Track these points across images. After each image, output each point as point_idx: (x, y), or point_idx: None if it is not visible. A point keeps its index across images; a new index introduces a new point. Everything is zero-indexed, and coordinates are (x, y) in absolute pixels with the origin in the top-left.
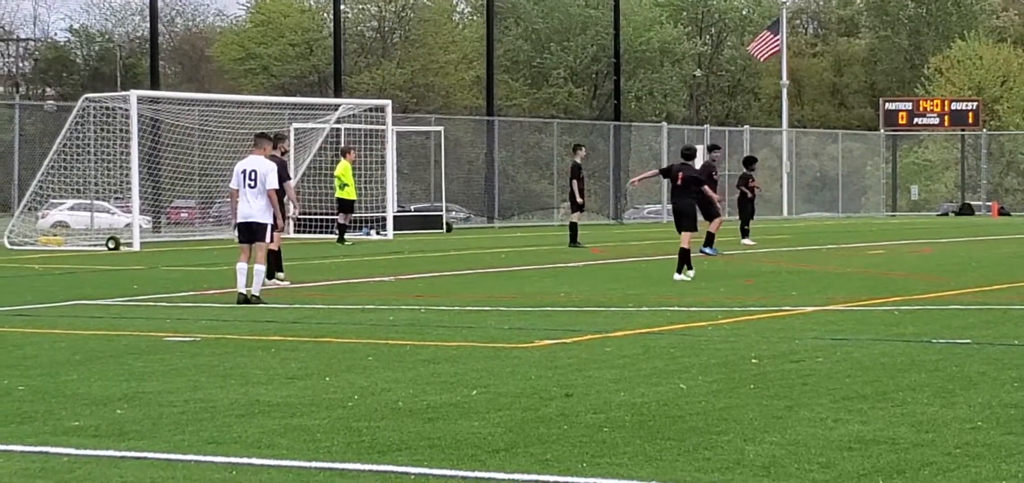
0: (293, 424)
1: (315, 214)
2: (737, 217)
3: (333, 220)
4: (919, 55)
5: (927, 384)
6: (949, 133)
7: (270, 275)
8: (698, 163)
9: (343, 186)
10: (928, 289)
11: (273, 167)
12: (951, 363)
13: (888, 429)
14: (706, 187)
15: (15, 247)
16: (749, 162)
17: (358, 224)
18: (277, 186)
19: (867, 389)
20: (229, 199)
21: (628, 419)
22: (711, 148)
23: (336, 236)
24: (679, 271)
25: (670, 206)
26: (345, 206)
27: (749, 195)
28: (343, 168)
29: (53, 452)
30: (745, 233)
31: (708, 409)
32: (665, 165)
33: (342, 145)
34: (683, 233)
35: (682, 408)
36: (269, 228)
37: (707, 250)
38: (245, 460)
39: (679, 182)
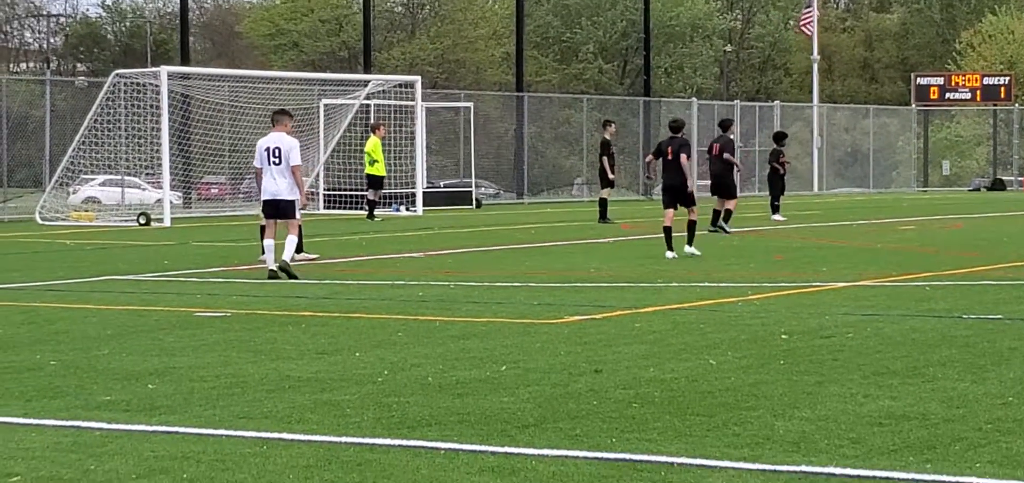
0: (323, 399)
1: (344, 190)
2: (767, 193)
3: (362, 196)
4: (951, 29)
5: (958, 360)
6: (981, 108)
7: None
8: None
9: (373, 162)
10: (959, 265)
11: (296, 144)
12: (982, 339)
13: (919, 405)
14: (683, 158)
15: (46, 222)
16: (779, 137)
17: (387, 200)
18: (299, 162)
19: (898, 365)
20: (254, 177)
21: (657, 394)
22: (725, 123)
23: (366, 212)
24: (680, 248)
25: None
26: (375, 182)
27: (780, 171)
28: (373, 144)
29: (85, 426)
30: (775, 209)
31: (738, 385)
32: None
33: (372, 121)
34: (668, 210)
35: (712, 384)
36: (297, 204)
37: (726, 228)
38: (275, 435)
39: (669, 157)
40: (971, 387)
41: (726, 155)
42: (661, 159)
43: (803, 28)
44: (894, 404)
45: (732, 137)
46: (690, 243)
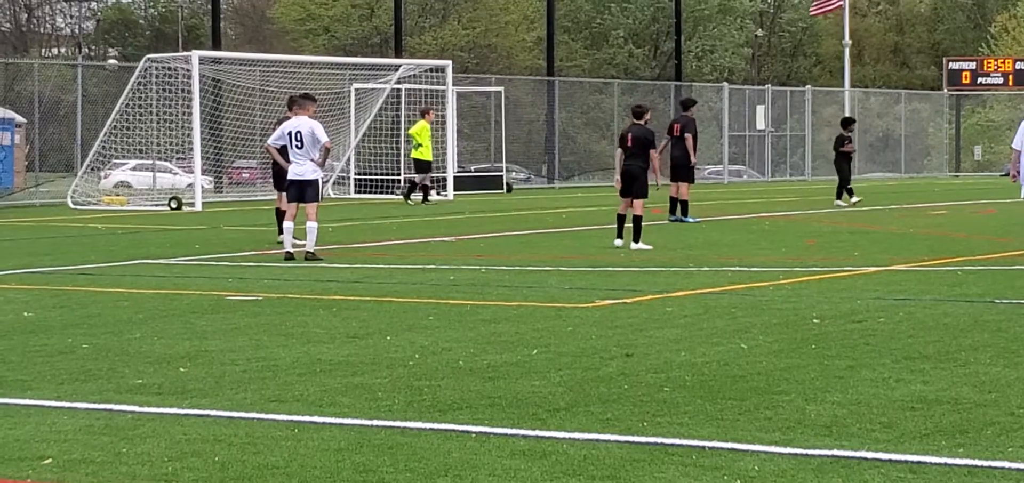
0: (354, 382)
1: (375, 174)
2: (835, 177)
3: (393, 180)
4: (982, 14)
5: (990, 344)
6: (1014, 93)
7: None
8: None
9: (418, 146)
10: (991, 249)
11: (318, 124)
12: (1015, 323)
13: (950, 389)
14: (653, 153)
15: (78, 207)
16: (846, 123)
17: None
18: (327, 140)
19: (929, 349)
20: (267, 152)
21: (689, 379)
22: (687, 102)
23: (408, 195)
24: (620, 236)
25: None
26: (421, 166)
27: (847, 157)
28: (420, 128)
29: (116, 409)
30: (839, 194)
31: (769, 369)
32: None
33: (423, 106)
34: (625, 199)
35: (743, 368)
36: (319, 185)
37: (686, 218)
38: (307, 418)
39: (629, 144)
40: (1003, 372)
41: (686, 135)
42: (623, 146)
43: (820, 11)
44: (926, 388)
45: (694, 118)
46: (636, 240)
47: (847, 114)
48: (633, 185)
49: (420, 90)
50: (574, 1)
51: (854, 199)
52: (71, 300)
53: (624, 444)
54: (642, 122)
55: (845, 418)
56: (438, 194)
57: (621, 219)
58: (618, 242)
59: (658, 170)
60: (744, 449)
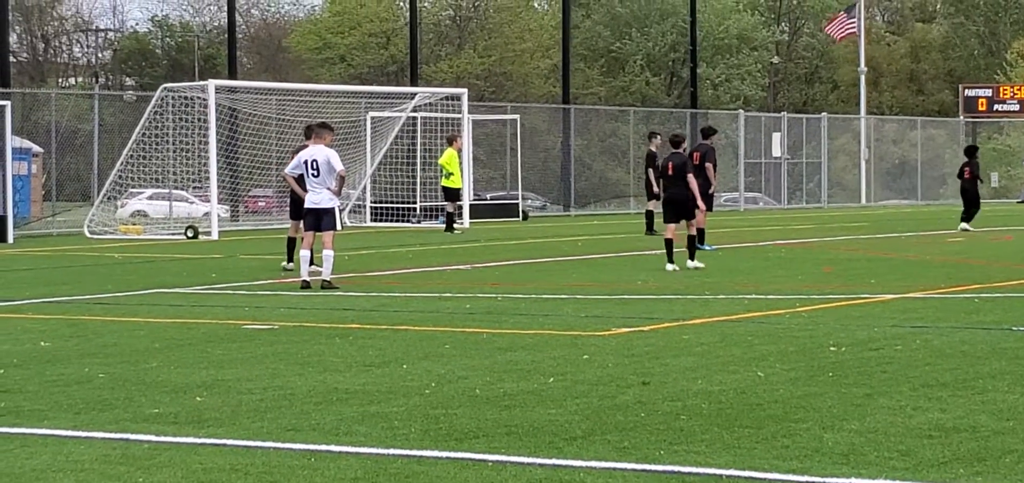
0: (371, 411)
1: (391, 202)
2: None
3: (409, 208)
4: (995, 40)
5: (1008, 372)
6: None
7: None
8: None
9: (449, 175)
10: (1008, 277)
11: (334, 153)
12: None
13: (968, 417)
14: (691, 177)
15: (95, 236)
16: (970, 151)
17: (434, 213)
18: (342, 168)
19: (947, 377)
20: (284, 180)
21: (705, 407)
22: (708, 130)
23: (443, 225)
24: (670, 260)
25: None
26: (451, 195)
27: (971, 185)
28: (449, 157)
29: (133, 439)
30: (966, 218)
31: (786, 397)
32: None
33: (449, 133)
34: (670, 225)
35: (760, 396)
36: (336, 213)
37: (703, 246)
38: (323, 447)
39: (670, 172)
40: (1021, 399)
41: (707, 164)
42: (663, 175)
43: (831, 31)
44: (944, 416)
45: (714, 147)
46: (692, 258)
47: (863, 141)
48: (679, 210)
49: (436, 118)
50: (591, 28)
51: (965, 227)
52: (88, 329)
53: (641, 473)
54: (680, 150)
55: (863, 446)
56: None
57: (669, 244)
58: (669, 267)
59: (698, 193)
60: (761, 477)
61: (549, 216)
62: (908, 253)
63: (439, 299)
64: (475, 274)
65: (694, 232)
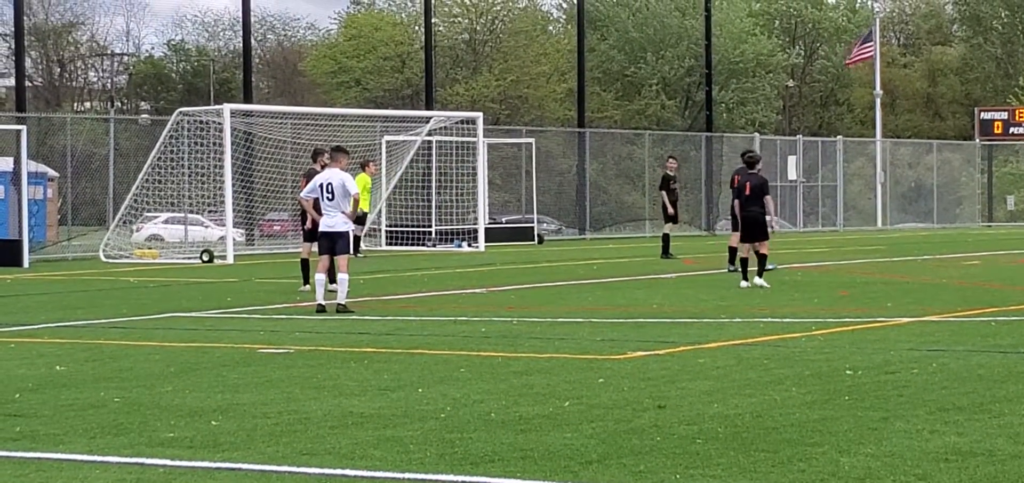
0: (386, 435)
1: (406, 226)
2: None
3: (424, 232)
4: (1011, 63)
5: None
6: None
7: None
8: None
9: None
10: None
11: (348, 176)
12: None
13: (985, 441)
14: (767, 198)
15: (110, 260)
16: None
17: (449, 236)
18: (356, 191)
19: (963, 400)
20: (299, 204)
21: (721, 430)
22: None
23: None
24: (746, 278)
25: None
26: (358, 219)
27: None
28: (360, 180)
29: (148, 463)
30: None
31: (802, 420)
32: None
33: (363, 158)
34: (746, 244)
35: (776, 419)
36: (350, 238)
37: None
38: (339, 471)
39: (748, 193)
40: None
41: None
42: (739, 195)
43: (854, 62)
44: (960, 440)
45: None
46: (760, 275)
47: (879, 165)
48: (756, 230)
49: (451, 142)
50: (606, 52)
51: None
52: (103, 353)
53: None
54: (755, 171)
55: (879, 470)
56: (469, 246)
57: (744, 262)
58: (744, 284)
59: (774, 214)
60: None
61: (564, 239)
62: (924, 276)
63: (454, 323)
64: (490, 298)
65: (767, 251)
